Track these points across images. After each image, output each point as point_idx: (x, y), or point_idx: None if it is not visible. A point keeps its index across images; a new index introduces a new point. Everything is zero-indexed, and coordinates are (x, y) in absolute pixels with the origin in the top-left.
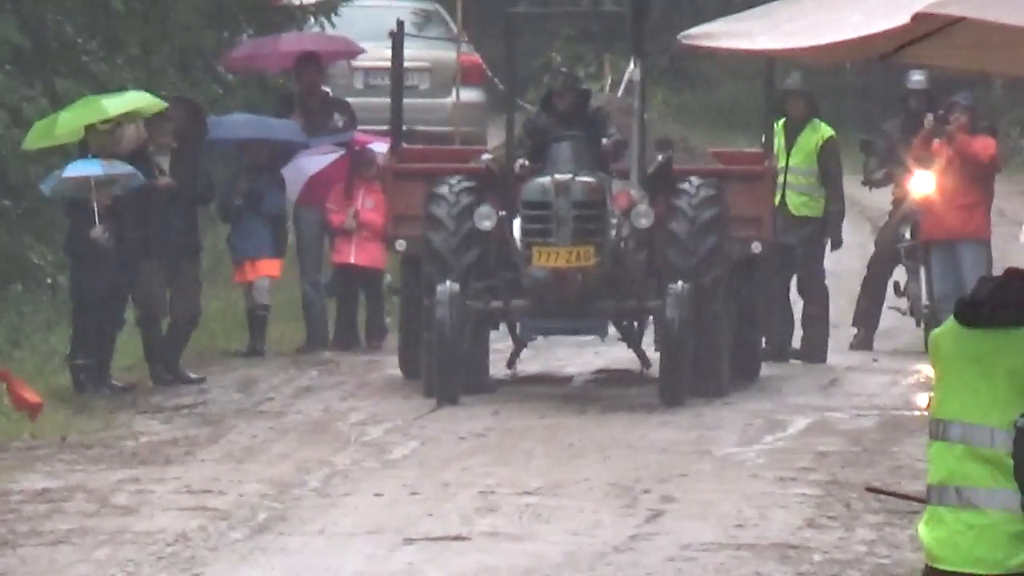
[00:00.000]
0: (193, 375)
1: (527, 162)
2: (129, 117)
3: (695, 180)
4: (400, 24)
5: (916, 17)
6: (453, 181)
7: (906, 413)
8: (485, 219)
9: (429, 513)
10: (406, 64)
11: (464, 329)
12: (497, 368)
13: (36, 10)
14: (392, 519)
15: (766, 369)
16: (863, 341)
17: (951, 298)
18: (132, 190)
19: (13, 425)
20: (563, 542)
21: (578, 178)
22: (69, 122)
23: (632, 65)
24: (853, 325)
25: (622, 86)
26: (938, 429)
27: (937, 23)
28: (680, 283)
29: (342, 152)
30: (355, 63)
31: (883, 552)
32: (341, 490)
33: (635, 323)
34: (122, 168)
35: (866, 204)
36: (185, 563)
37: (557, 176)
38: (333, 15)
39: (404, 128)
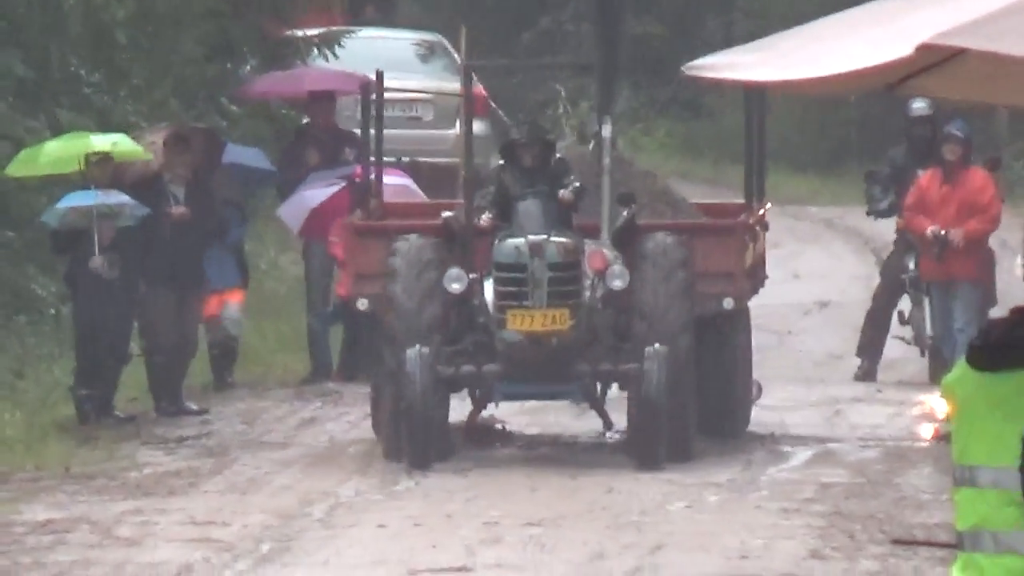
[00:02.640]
0: (195, 407)
1: (490, 216)
2: (126, 155)
3: (662, 239)
4: (379, 75)
5: (920, 48)
6: (413, 239)
7: (910, 444)
8: (455, 282)
9: (433, 545)
10: (410, 96)
11: (435, 395)
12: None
13: (39, 42)
14: (396, 551)
15: (770, 397)
16: (867, 372)
17: (948, 337)
18: (136, 221)
19: (17, 456)
20: (567, 573)
21: (553, 239)
22: (54, 151)
23: (600, 121)
24: (857, 355)
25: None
26: (964, 475)
27: (942, 54)
28: (657, 345)
29: (343, 184)
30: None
31: None
32: (345, 521)
33: (599, 385)
34: (118, 198)
35: (870, 235)
36: None
37: (531, 237)
38: (336, 46)
39: (407, 160)
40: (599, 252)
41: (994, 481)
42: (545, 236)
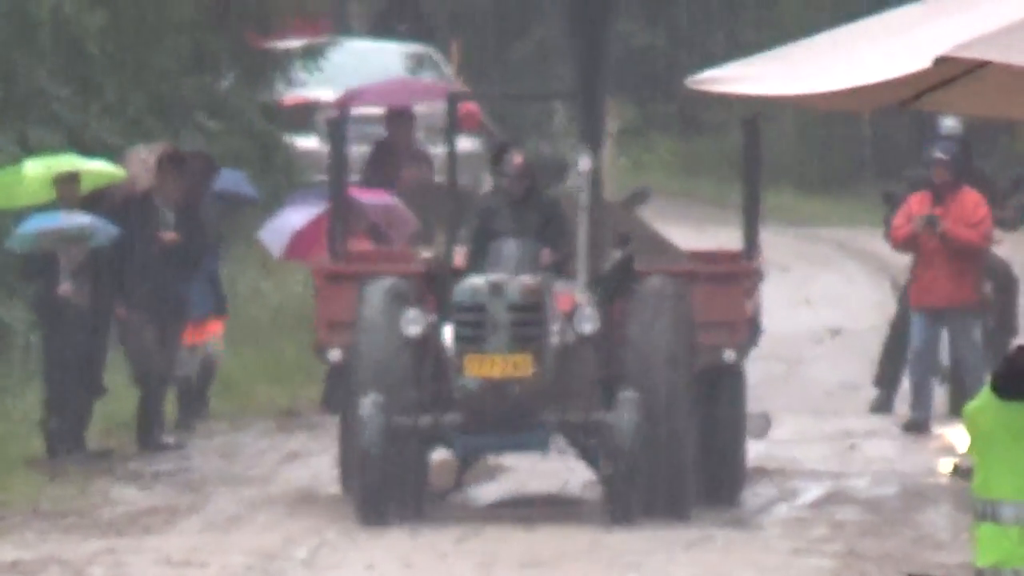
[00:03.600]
0: (171, 440)
1: (467, 254)
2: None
3: (657, 283)
4: (342, 116)
5: (938, 61)
6: (382, 281)
7: (928, 480)
8: (412, 324)
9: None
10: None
11: (392, 446)
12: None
13: (6, 54)
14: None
15: (780, 430)
16: (883, 403)
17: (932, 367)
18: (108, 242)
19: None
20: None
21: (515, 278)
22: (40, 172)
23: (582, 154)
24: (874, 385)
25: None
26: (987, 510)
27: (961, 67)
28: (631, 391)
29: (326, 207)
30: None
31: None
32: (330, 562)
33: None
34: (83, 220)
35: (886, 258)
36: None
37: (491, 276)
38: (320, 59)
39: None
40: (567, 293)
41: (1017, 517)
42: (507, 276)
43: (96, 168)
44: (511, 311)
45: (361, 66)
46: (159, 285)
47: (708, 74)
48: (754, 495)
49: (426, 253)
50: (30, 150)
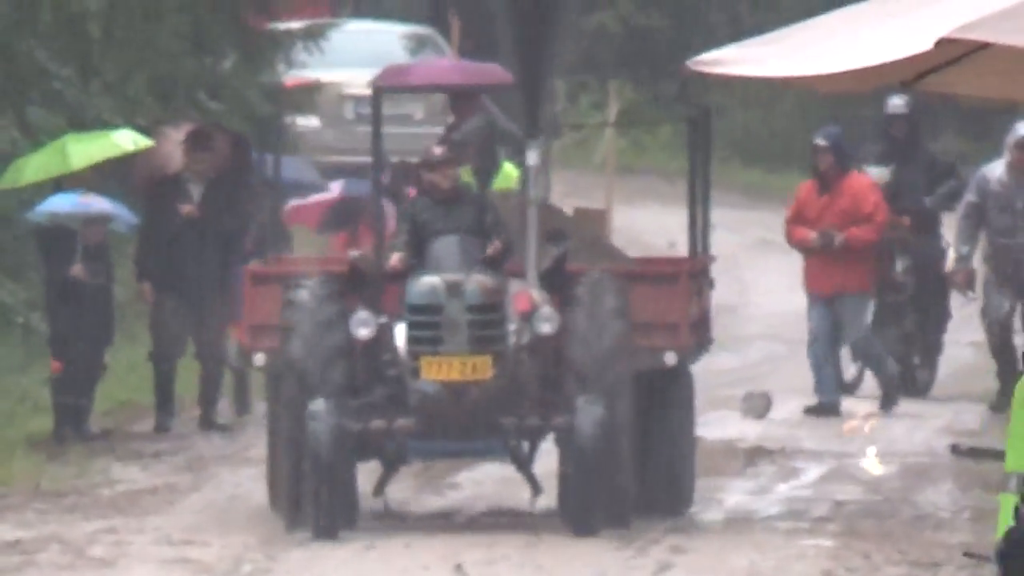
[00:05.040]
0: (223, 422)
1: (401, 255)
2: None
3: (595, 279)
4: (380, 91)
5: (940, 42)
6: (313, 282)
7: (929, 460)
8: (362, 326)
9: (425, 567)
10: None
11: (342, 454)
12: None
13: (7, 34)
14: (385, 571)
15: (780, 410)
16: (857, 378)
17: (829, 352)
18: (127, 229)
19: None
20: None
21: (473, 277)
22: (82, 154)
23: (528, 148)
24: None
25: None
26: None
27: (962, 49)
28: (589, 396)
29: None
30: (345, 91)
31: None
32: (331, 541)
33: (527, 443)
34: (100, 206)
35: None
36: None
37: (448, 276)
38: (321, 40)
39: (396, 160)
40: (525, 293)
41: None
42: (464, 275)
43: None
44: (470, 312)
45: (362, 47)
46: (183, 265)
47: (708, 56)
48: (755, 475)
49: (353, 253)
50: (30, 130)
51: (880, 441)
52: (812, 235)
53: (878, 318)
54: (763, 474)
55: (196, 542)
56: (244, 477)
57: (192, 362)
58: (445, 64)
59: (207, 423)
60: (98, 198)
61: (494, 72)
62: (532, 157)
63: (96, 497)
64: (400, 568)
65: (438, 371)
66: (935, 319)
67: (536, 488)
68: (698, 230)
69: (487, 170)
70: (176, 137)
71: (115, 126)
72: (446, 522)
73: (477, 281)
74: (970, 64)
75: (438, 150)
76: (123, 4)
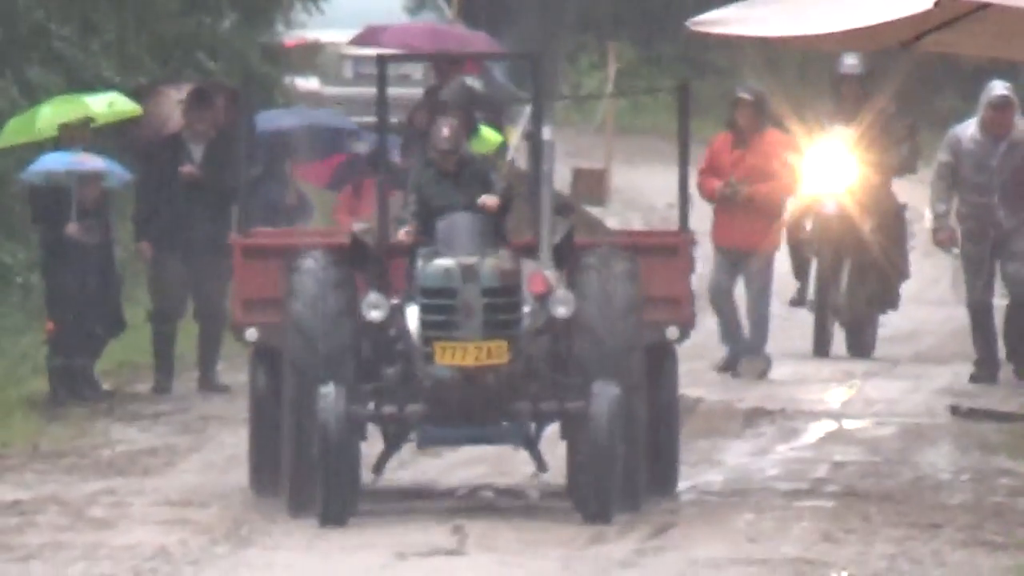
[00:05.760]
0: (223, 382)
1: (409, 230)
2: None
3: (605, 253)
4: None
5: (940, 3)
6: (319, 255)
7: (928, 421)
8: (375, 308)
9: (424, 529)
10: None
11: (352, 439)
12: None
13: None
14: (386, 535)
15: (780, 371)
16: (798, 299)
17: (732, 304)
18: (121, 185)
19: None
20: (564, 556)
21: (488, 260)
22: (49, 118)
23: (529, 121)
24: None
25: (514, 142)
26: None
27: (962, 9)
28: (605, 380)
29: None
30: (344, 51)
31: (904, 567)
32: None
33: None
34: (94, 164)
35: None
36: None
37: (463, 258)
38: (321, 1)
39: (397, 121)
40: (539, 274)
41: None
42: (479, 257)
43: (109, 108)
44: (485, 295)
45: (361, 7)
46: (185, 224)
47: (710, 15)
48: (754, 436)
49: (358, 226)
50: (30, 89)
51: (880, 402)
52: (718, 185)
53: (850, 278)
54: (762, 435)
55: (195, 503)
56: (244, 438)
57: (192, 323)
58: (421, 28)
59: (207, 384)
60: (91, 156)
61: (474, 39)
62: (546, 132)
63: (95, 458)
64: (400, 532)
65: (452, 356)
66: (899, 278)
67: (542, 466)
68: (688, 203)
69: (464, 133)
70: (175, 96)
71: (114, 86)
72: (446, 491)
73: (493, 264)
74: (969, 25)
75: (446, 131)
76: None
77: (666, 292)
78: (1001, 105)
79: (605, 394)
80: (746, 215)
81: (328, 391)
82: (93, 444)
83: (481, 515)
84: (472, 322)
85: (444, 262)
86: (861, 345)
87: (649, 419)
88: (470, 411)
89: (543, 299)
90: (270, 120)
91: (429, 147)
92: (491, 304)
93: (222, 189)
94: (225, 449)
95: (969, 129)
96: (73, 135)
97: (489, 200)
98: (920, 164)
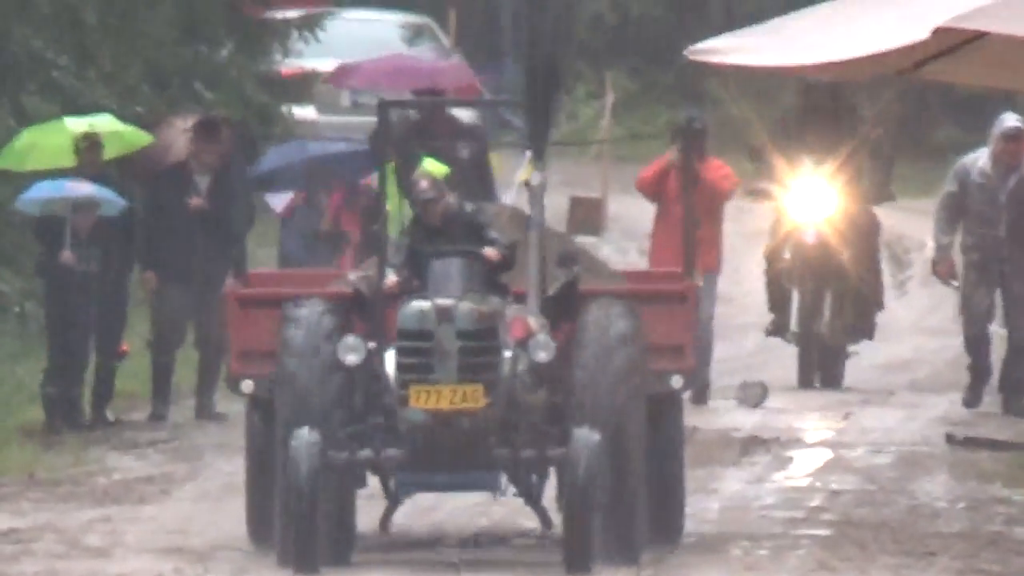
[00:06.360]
0: (219, 411)
1: (396, 278)
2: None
3: (606, 305)
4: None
5: (937, 31)
6: (312, 303)
7: (924, 450)
8: (351, 352)
9: (429, 546)
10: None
11: (323, 484)
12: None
13: (3, 22)
14: (383, 557)
15: (774, 400)
16: (777, 328)
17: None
18: (116, 212)
19: None
20: None
21: (464, 303)
22: (34, 144)
23: (527, 166)
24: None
25: (514, 189)
26: None
27: (958, 38)
28: (587, 427)
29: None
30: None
31: None
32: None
33: (534, 474)
34: (89, 190)
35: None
36: None
37: (439, 300)
38: (318, 29)
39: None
40: (521, 319)
41: None
42: (455, 299)
43: (123, 130)
44: (461, 338)
45: (359, 36)
46: (189, 254)
47: (706, 44)
48: (750, 464)
49: (354, 275)
50: (27, 118)
51: (876, 431)
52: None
53: (831, 308)
54: (758, 463)
55: (191, 532)
56: (240, 467)
57: (189, 351)
58: (390, 66)
59: (204, 412)
60: (84, 183)
61: (450, 70)
62: (536, 178)
63: (91, 486)
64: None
65: (427, 400)
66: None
67: (546, 522)
68: (691, 249)
69: (408, 165)
70: (181, 125)
71: (112, 114)
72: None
73: (468, 307)
74: (966, 54)
75: (424, 184)
76: None
77: (670, 341)
78: (1013, 136)
79: (585, 441)
80: (685, 235)
81: (302, 435)
82: (89, 472)
83: (474, 567)
84: (447, 365)
85: (420, 304)
86: (833, 376)
87: (652, 468)
88: (446, 457)
89: (524, 344)
90: (302, 150)
91: (412, 203)
92: (466, 347)
93: (227, 221)
94: (221, 477)
95: (979, 160)
96: (85, 159)
97: (490, 252)
98: (895, 191)
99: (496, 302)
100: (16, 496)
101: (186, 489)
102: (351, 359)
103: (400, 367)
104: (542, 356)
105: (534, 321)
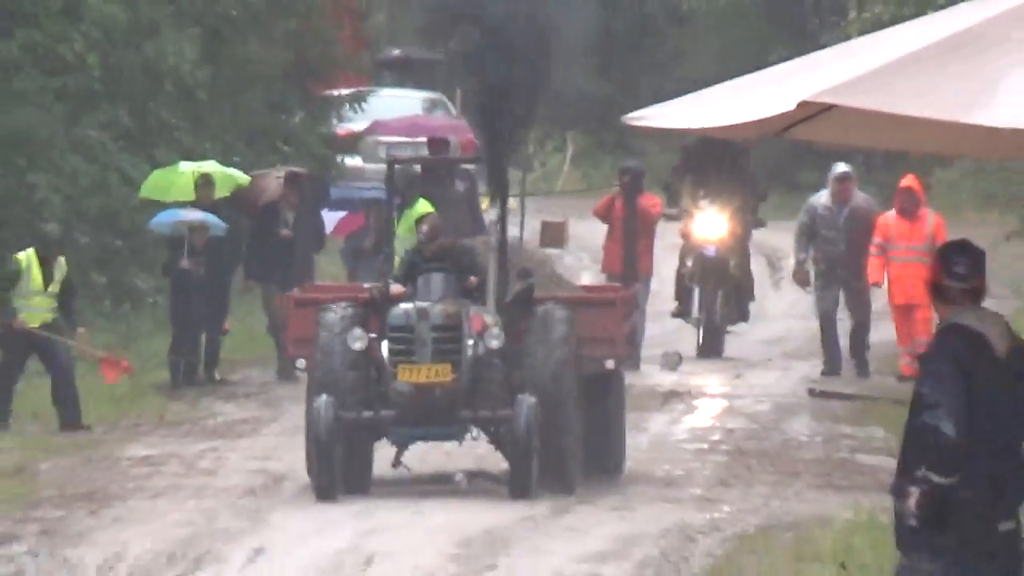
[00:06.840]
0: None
1: (397, 286)
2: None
3: (550, 308)
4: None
5: (801, 104)
6: (338, 307)
7: (793, 399)
8: (357, 340)
9: (427, 483)
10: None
11: (338, 435)
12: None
13: (140, 99)
14: (395, 489)
15: (685, 368)
16: (682, 312)
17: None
18: (220, 233)
19: (123, 409)
20: (502, 506)
21: (437, 306)
22: (171, 182)
23: (485, 202)
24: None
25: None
26: None
27: (817, 108)
28: (528, 392)
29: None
30: (380, 139)
31: (775, 503)
32: (381, 455)
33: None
34: (196, 216)
35: (764, 244)
36: (252, 512)
37: (419, 303)
38: (363, 102)
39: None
40: (479, 316)
41: None
42: (431, 303)
43: (228, 172)
44: (434, 330)
45: (392, 107)
46: (283, 265)
47: (639, 112)
48: (669, 410)
49: (369, 285)
50: (158, 165)
51: (758, 387)
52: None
53: (721, 301)
54: (675, 410)
55: (274, 458)
56: None
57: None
58: (408, 122)
59: (284, 374)
60: (195, 211)
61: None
62: (493, 214)
63: (203, 426)
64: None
65: (410, 375)
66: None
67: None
68: (633, 264)
69: (404, 206)
70: (275, 175)
71: (221, 163)
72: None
73: (440, 307)
74: (826, 119)
75: (425, 227)
76: (222, 77)
77: (605, 334)
78: (842, 179)
79: (524, 403)
80: (628, 246)
81: (320, 400)
82: (202, 416)
83: (442, 494)
84: (424, 350)
85: (406, 306)
86: (717, 348)
87: (602, 424)
88: (424, 416)
89: (481, 334)
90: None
91: (417, 240)
92: (438, 337)
93: (306, 244)
94: (295, 420)
95: (822, 198)
96: (201, 194)
97: (473, 280)
98: (766, 218)
99: (464, 304)
100: (150, 433)
101: (271, 427)
102: (357, 346)
103: (391, 352)
104: (494, 344)
105: (489, 318)
